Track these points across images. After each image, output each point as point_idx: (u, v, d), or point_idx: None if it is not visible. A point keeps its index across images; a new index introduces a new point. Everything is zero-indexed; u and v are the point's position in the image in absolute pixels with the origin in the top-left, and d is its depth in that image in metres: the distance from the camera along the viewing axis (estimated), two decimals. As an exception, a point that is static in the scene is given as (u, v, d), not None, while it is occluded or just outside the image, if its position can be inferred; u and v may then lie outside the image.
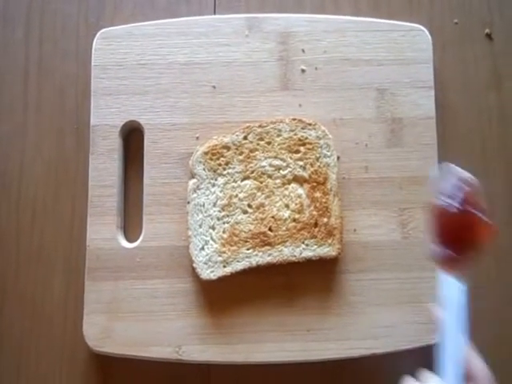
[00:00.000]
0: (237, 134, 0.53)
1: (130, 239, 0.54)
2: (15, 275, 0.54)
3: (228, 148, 0.53)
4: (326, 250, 0.51)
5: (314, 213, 0.51)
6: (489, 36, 0.59)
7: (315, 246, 0.51)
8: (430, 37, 0.56)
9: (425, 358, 0.52)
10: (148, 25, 0.56)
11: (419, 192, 0.53)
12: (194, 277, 0.52)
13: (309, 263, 0.51)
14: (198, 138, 0.54)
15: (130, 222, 0.55)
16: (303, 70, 0.56)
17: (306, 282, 0.52)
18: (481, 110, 0.57)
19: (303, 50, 0.56)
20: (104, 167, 0.54)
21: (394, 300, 0.52)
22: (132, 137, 0.56)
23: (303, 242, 0.51)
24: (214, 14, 0.60)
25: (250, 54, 0.56)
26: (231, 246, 0.51)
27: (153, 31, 0.56)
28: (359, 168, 0.54)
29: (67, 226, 0.55)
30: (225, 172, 0.52)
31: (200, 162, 0.52)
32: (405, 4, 0.60)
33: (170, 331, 0.51)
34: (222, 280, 0.51)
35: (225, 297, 0.51)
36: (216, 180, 0.52)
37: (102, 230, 0.52)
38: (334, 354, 0.51)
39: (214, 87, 0.55)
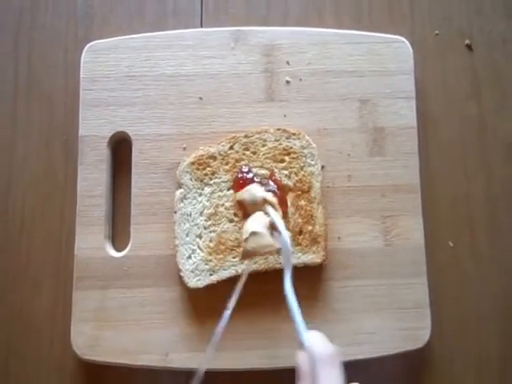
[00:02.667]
0: (223, 144, 0.54)
1: (117, 248, 0.54)
2: (3, 284, 0.55)
3: (214, 158, 0.54)
4: (311, 257, 0.52)
5: (299, 220, 0.52)
6: (469, 47, 0.61)
7: (300, 254, 0.52)
8: (411, 48, 0.58)
9: (407, 363, 0.54)
10: (136, 38, 0.57)
11: (401, 200, 0.55)
12: (181, 285, 0.52)
13: (294, 271, 0.52)
14: (185, 148, 0.55)
15: (118, 232, 0.55)
16: (288, 82, 0.57)
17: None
18: (461, 119, 0.59)
19: (288, 62, 0.57)
20: (92, 177, 0.54)
21: (377, 306, 0.53)
22: (120, 147, 0.57)
23: None
24: (201, 27, 0.61)
25: (235, 66, 0.57)
26: (218, 254, 0.52)
27: (140, 44, 0.57)
28: (343, 177, 0.55)
29: (55, 236, 0.56)
30: (211, 182, 0.53)
31: (187, 172, 0.53)
32: (386, 16, 0.61)
33: (158, 339, 0.51)
34: (208, 288, 0.52)
35: (211, 305, 0.52)
36: (203, 190, 0.53)
37: (90, 240, 0.53)
38: (318, 359, 0.52)
39: (201, 98, 0.56)
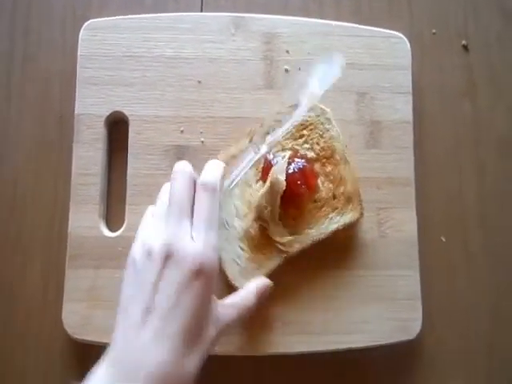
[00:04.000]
0: (242, 139, 0.54)
1: (112, 228, 0.54)
2: (-8, 262, 0.54)
3: (235, 157, 0.53)
4: (350, 216, 0.52)
5: (330, 186, 0.53)
6: (465, 47, 0.62)
7: (338, 217, 0.52)
8: (408, 45, 0.58)
9: (398, 355, 0.55)
10: (136, 18, 0.57)
11: (396, 193, 0.55)
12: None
13: (289, 261, 0.52)
14: (182, 131, 0.55)
15: (113, 212, 0.55)
16: (287, 70, 0.57)
17: (286, 279, 0.52)
18: (456, 115, 0.60)
19: (287, 51, 0.58)
20: (88, 156, 0.54)
21: (370, 296, 0.53)
22: (117, 127, 0.56)
23: (327, 218, 0.52)
24: (201, 11, 0.61)
25: (235, 51, 0.57)
26: (261, 249, 0.52)
27: (140, 24, 0.57)
28: (339, 167, 0.56)
29: (48, 214, 0.55)
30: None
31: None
32: (385, 12, 0.62)
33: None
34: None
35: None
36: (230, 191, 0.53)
37: (84, 218, 0.53)
38: (309, 347, 0.52)
39: (200, 82, 0.56)
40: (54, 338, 0.53)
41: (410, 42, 0.59)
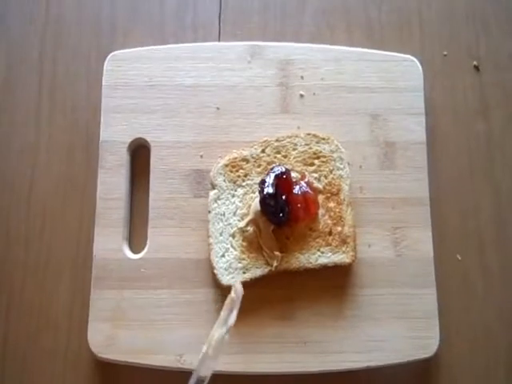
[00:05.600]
0: (255, 147, 0.56)
1: (135, 250, 0.56)
2: (22, 283, 0.56)
3: (247, 161, 0.56)
4: (341, 257, 0.53)
5: (329, 222, 0.54)
6: (476, 68, 0.63)
7: (330, 254, 0.53)
8: (420, 67, 0.60)
9: (416, 373, 0.55)
10: (157, 49, 0.60)
11: (411, 212, 0.56)
12: (195, 288, 0.54)
13: (306, 278, 0.54)
14: (202, 156, 0.57)
15: (136, 234, 0.57)
16: (302, 95, 0.59)
17: (302, 297, 0.54)
18: (469, 135, 0.61)
19: (302, 77, 0.60)
20: (112, 181, 0.56)
21: (388, 315, 0.54)
22: (139, 153, 0.58)
23: (318, 250, 0.53)
24: (219, 40, 0.63)
25: (252, 78, 0.59)
26: (250, 253, 0.53)
27: (161, 55, 0.59)
28: (355, 188, 0.56)
29: (74, 237, 0.57)
30: (244, 183, 0.55)
31: (221, 173, 0.55)
32: (397, 36, 0.64)
33: (172, 340, 0.52)
34: (223, 293, 0.53)
35: (224, 308, 0.53)
36: (236, 191, 0.55)
37: (109, 241, 0.55)
38: (329, 366, 0.52)
39: (218, 109, 0.58)
40: (80, 357, 0.54)
41: (422, 64, 0.60)
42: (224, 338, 0.45)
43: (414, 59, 0.61)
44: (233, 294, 0.47)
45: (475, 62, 0.63)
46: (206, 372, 0.45)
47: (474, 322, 0.56)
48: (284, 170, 0.53)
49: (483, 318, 0.56)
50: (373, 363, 0.53)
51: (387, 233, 0.56)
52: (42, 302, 0.56)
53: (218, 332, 0.45)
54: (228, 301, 0.47)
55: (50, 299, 0.56)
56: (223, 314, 0.46)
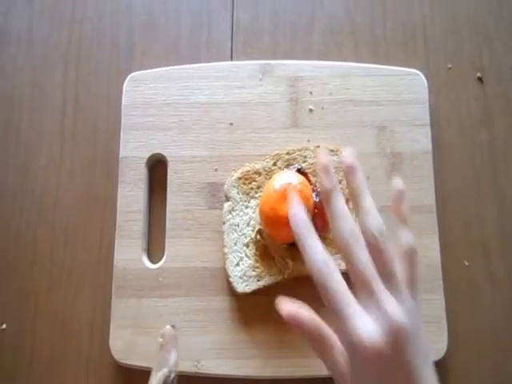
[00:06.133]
0: (267, 160, 0.58)
1: (153, 260, 0.58)
2: (47, 293, 0.59)
3: (259, 173, 0.58)
4: None
5: None
6: (480, 79, 0.65)
7: (340, 261, 0.54)
8: (425, 80, 0.62)
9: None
10: (173, 69, 0.63)
11: (418, 220, 0.58)
12: (211, 296, 0.56)
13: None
14: (216, 169, 0.60)
15: (154, 245, 0.59)
16: (311, 110, 0.62)
17: (314, 303, 0.55)
18: (474, 145, 0.63)
19: (311, 92, 0.62)
20: (131, 195, 0.59)
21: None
22: (157, 168, 0.61)
23: None
24: (231, 60, 0.66)
25: (263, 95, 0.62)
26: (263, 261, 0.56)
27: (177, 75, 0.63)
28: (363, 198, 0.59)
29: (96, 248, 0.60)
30: (257, 195, 0.57)
31: (234, 186, 0.58)
32: (402, 51, 0.66)
33: (190, 346, 0.55)
34: (238, 300, 0.56)
35: (240, 315, 0.56)
36: (249, 202, 0.57)
37: (128, 252, 0.57)
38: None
39: (231, 124, 0.61)
40: (102, 362, 0.57)
41: (427, 77, 0.63)
42: (170, 378, 0.46)
43: (419, 73, 0.63)
44: (160, 339, 0.48)
45: (479, 74, 0.65)
46: None
47: (481, 327, 0.57)
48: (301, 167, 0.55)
49: (490, 322, 0.58)
50: (383, 367, 0.54)
51: (395, 241, 0.58)
52: (65, 310, 0.58)
53: (157, 375, 0.46)
54: (158, 346, 0.48)
55: (73, 308, 0.58)
56: (156, 359, 0.47)
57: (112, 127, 0.63)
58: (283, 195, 0.52)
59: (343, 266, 0.42)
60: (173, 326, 0.49)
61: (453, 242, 0.60)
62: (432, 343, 0.55)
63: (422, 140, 0.61)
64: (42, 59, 0.66)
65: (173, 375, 0.47)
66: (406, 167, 0.60)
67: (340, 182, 0.57)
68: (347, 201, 0.55)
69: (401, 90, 0.62)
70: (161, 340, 0.48)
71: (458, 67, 0.66)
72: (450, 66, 0.66)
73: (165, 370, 0.46)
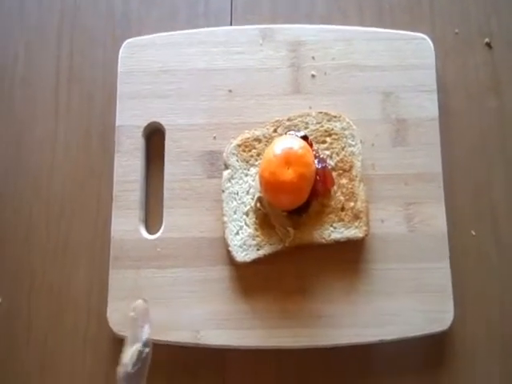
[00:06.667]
0: (267, 127, 0.57)
1: (151, 231, 0.57)
2: (43, 265, 0.58)
3: (259, 140, 0.56)
4: (354, 232, 0.54)
5: (341, 198, 0.54)
6: (488, 45, 0.63)
7: (343, 229, 0.54)
8: (432, 45, 0.60)
9: (431, 347, 0.55)
10: (170, 35, 0.61)
11: (424, 188, 0.56)
12: (210, 266, 0.55)
13: (319, 253, 0.54)
14: (215, 137, 0.58)
15: (152, 215, 0.58)
16: (313, 76, 0.60)
17: (316, 271, 0.54)
18: (481, 111, 0.61)
19: (313, 57, 0.60)
20: (128, 164, 0.58)
21: (401, 289, 0.54)
22: (154, 136, 0.60)
23: (331, 225, 0.54)
24: (231, 25, 0.64)
25: (263, 61, 0.60)
26: (264, 230, 0.54)
27: (174, 41, 0.61)
28: (367, 165, 0.57)
29: (93, 219, 0.59)
30: (256, 163, 0.56)
31: (233, 153, 0.56)
32: (407, 14, 0.64)
33: (189, 317, 0.54)
34: (237, 270, 0.55)
35: (240, 285, 0.54)
36: (249, 170, 0.56)
37: (126, 222, 0.56)
38: (343, 340, 0.53)
39: (231, 91, 0.59)
40: (100, 334, 0.56)
41: (433, 42, 0.60)
42: (143, 352, 0.46)
43: (426, 37, 0.60)
44: (132, 313, 0.47)
45: (487, 39, 0.63)
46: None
47: (488, 297, 0.56)
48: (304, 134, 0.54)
49: (498, 292, 0.56)
50: (386, 337, 0.53)
51: (400, 208, 0.56)
52: (62, 282, 0.57)
53: (131, 350, 0.46)
54: (129, 320, 0.47)
55: (69, 280, 0.57)
56: (129, 333, 0.46)
57: (108, 97, 0.61)
58: (284, 160, 0.50)
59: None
60: (144, 300, 0.48)
61: (459, 211, 0.58)
62: (438, 313, 0.53)
63: (428, 106, 0.59)
64: (35, 30, 0.65)
65: (146, 350, 0.46)
66: (411, 134, 0.58)
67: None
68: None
69: (406, 55, 0.60)
70: (132, 314, 0.47)
71: (466, 32, 0.64)
72: (457, 31, 0.64)
73: (138, 345, 0.45)
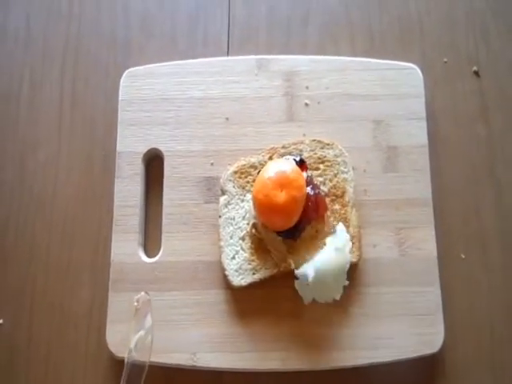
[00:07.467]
0: (262, 154, 0.59)
1: (149, 255, 0.58)
2: (44, 288, 0.59)
3: (255, 167, 0.58)
4: None
5: (334, 223, 0.56)
6: (476, 73, 0.65)
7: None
8: (421, 74, 0.62)
9: (422, 368, 0.56)
10: (169, 65, 0.63)
11: (414, 213, 0.58)
12: (207, 289, 0.56)
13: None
14: (212, 163, 0.60)
15: (150, 239, 0.60)
16: (307, 104, 0.62)
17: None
18: (470, 139, 0.63)
19: (307, 87, 0.62)
20: (128, 189, 0.59)
21: (393, 312, 0.55)
22: (153, 163, 0.62)
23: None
24: (228, 55, 0.66)
25: (259, 90, 0.62)
26: (259, 254, 0.56)
27: (173, 70, 0.63)
28: (359, 191, 0.58)
29: (93, 242, 0.60)
30: (252, 189, 0.57)
31: (230, 180, 0.58)
32: (398, 45, 0.66)
33: (186, 339, 0.55)
34: (233, 293, 0.56)
35: (236, 308, 0.56)
36: (245, 196, 0.58)
37: (125, 246, 0.58)
38: (336, 363, 0.54)
39: (227, 119, 0.61)
40: (99, 354, 0.57)
41: (423, 71, 0.63)
42: (147, 340, 0.51)
43: (415, 67, 0.63)
44: (135, 303, 0.53)
45: (475, 68, 0.65)
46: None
47: (478, 320, 0.58)
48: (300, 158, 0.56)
49: (487, 315, 0.58)
50: (378, 360, 0.54)
51: (391, 233, 0.58)
52: (63, 303, 0.59)
53: (134, 337, 0.51)
54: (133, 310, 0.53)
55: (70, 300, 0.59)
56: (134, 322, 0.52)
57: (109, 123, 0.63)
58: (277, 183, 0.52)
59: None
60: (146, 293, 0.54)
61: (449, 235, 0.60)
62: (428, 335, 0.55)
63: (418, 134, 0.61)
64: (40, 56, 0.67)
65: (149, 337, 0.51)
66: (401, 161, 0.60)
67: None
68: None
69: (397, 84, 0.62)
70: (136, 304, 0.52)
71: (454, 61, 0.66)
72: (445, 59, 0.66)
73: (141, 333, 0.50)
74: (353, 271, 0.56)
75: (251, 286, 0.55)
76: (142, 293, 0.53)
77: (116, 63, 0.66)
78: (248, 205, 0.57)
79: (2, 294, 0.59)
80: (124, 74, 0.63)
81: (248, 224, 0.57)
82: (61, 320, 0.58)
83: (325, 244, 0.54)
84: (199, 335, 0.55)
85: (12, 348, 0.58)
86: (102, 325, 0.56)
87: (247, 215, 0.57)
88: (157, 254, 0.58)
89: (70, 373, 0.57)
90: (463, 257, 0.59)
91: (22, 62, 0.67)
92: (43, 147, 0.64)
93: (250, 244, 0.56)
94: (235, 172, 0.58)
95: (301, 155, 0.57)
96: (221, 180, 0.58)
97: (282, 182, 0.52)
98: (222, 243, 0.56)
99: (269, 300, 0.56)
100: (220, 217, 0.57)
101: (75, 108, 0.65)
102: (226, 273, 0.55)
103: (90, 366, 0.57)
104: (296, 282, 0.54)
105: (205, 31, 0.68)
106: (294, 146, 0.59)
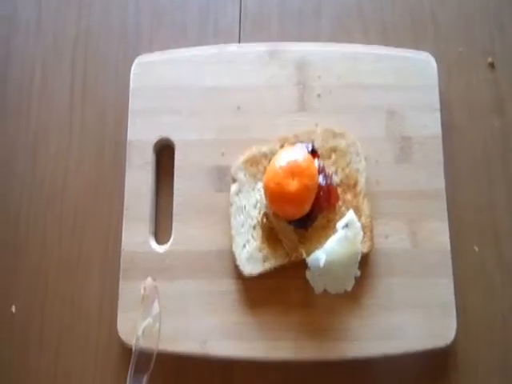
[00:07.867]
0: (274, 143, 0.58)
1: (160, 243, 0.58)
2: (57, 276, 0.59)
3: (266, 156, 0.57)
4: None
5: (346, 213, 0.55)
6: (491, 65, 0.64)
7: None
8: (435, 63, 0.61)
9: (433, 363, 0.56)
10: (180, 52, 0.63)
11: (427, 204, 0.58)
12: (217, 278, 0.56)
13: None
14: (223, 153, 0.60)
15: (161, 228, 0.59)
16: (319, 94, 0.61)
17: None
18: (484, 130, 0.62)
19: (319, 76, 0.62)
20: (139, 179, 0.59)
21: (405, 304, 0.55)
22: (164, 152, 0.61)
23: None
24: (239, 42, 0.66)
25: (270, 79, 0.62)
26: (270, 243, 0.55)
27: (185, 58, 0.62)
28: (371, 182, 0.58)
29: (104, 232, 0.60)
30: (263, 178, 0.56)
31: (241, 169, 0.57)
32: (411, 33, 0.65)
33: (197, 328, 0.55)
34: (244, 283, 0.56)
35: (247, 298, 0.56)
36: (256, 184, 0.57)
37: (136, 235, 0.58)
38: (347, 353, 0.54)
39: (239, 108, 0.61)
40: (110, 344, 0.57)
41: (437, 60, 0.62)
42: (155, 327, 0.51)
43: (429, 56, 0.62)
44: (142, 290, 0.54)
45: (490, 59, 0.64)
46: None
47: (491, 312, 0.57)
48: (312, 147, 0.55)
49: (500, 307, 0.57)
50: (390, 351, 0.54)
51: (404, 224, 0.57)
52: (74, 293, 0.59)
53: (142, 324, 0.51)
54: (140, 297, 0.54)
55: (81, 291, 0.59)
56: (141, 309, 0.52)
57: (120, 112, 0.63)
58: (289, 171, 0.52)
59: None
60: (153, 279, 0.54)
61: (462, 228, 0.59)
62: (440, 328, 0.54)
63: (431, 124, 0.60)
64: (51, 46, 0.66)
65: (157, 325, 0.51)
66: (415, 152, 0.59)
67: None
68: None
69: (410, 73, 0.61)
70: (143, 291, 0.52)
71: (469, 52, 0.65)
72: (460, 49, 0.65)
73: (149, 320, 0.50)
74: (364, 262, 0.56)
75: (262, 276, 0.55)
76: (149, 278, 0.53)
77: (126, 53, 0.66)
78: (259, 194, 0.57)
79: (14, 283, 0.60)
80: (135, 62, 0.62)
81: (259, 213, 0.56)
82: (72, 309, 0.59)
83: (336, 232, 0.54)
84: (209, 324, 0.55)
85: (24, 336, 0.58)
86: (112, 315, 0.56)
87: (258, 204, 0.57)
88: (167, 242, 0.58)
89: (81, 361, 0.57)
90: (476, 249, 0.59)
91: (33, 53, 0.66)
92: (54, 139, 0.63)
93: (261, 233, 0.56)
94: (246, 161, 0.58)
95: (312, 144, 0.57)
96: (232, 169, 0.58)
97: (294, 171, 0.52)
98: (232, 232, 0.56)
99: (280, 290, 0.55)
100: (231, 205, 0.57)
101: (86, 98, 0.65)
102: (237, 262, 0.55)
103: (101, 355, 0.57)
104: (307, 271, 0.54)
105: (215, 20, 0.67)
106: (306, 136, 0.58)
